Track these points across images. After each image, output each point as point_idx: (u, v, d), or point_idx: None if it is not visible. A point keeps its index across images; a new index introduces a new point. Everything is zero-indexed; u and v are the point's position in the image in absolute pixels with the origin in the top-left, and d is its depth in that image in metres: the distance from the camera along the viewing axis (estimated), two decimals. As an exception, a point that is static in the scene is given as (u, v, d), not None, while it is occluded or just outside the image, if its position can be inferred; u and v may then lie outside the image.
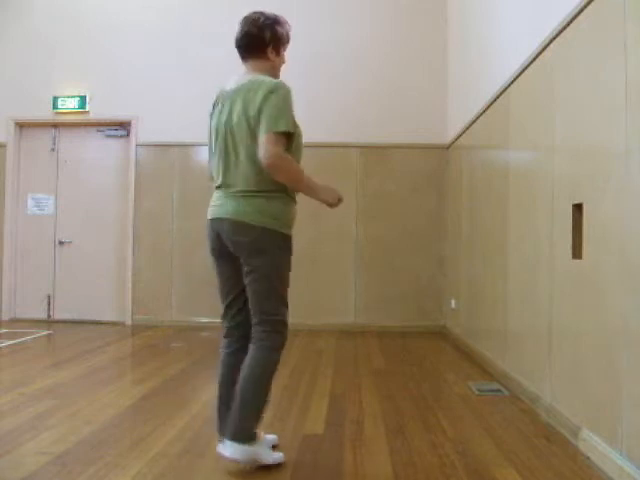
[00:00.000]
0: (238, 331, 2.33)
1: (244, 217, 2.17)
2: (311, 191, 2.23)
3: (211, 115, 2.35)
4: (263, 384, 2.19)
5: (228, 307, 2.34)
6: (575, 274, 2.62)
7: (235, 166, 2.21)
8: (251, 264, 2.19)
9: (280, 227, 2.20)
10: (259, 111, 2.13)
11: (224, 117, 2.24)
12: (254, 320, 2.23)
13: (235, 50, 2.38)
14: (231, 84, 2.29)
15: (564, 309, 2.75)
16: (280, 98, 2.14)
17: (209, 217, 2.29)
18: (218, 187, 2.29)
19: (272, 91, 2.14)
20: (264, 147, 2.09)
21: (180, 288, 6.14)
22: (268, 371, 2.20)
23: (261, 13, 2.32)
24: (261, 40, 2.29)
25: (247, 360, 2.20)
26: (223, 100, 2.28)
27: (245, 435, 2.15)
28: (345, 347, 5.09)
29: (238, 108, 2.19)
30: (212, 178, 2.35)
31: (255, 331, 2.23)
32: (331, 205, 2.28)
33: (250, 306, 2.24)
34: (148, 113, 6.23)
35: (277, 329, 2.22)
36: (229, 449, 2.14)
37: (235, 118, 2.20)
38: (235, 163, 2.21)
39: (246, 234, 2.17)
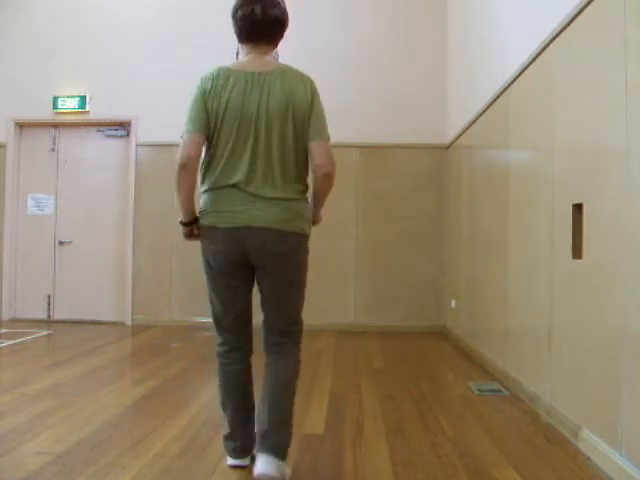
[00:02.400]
0: (247, 344, 2.18)
1: (287, 225, 1.97)
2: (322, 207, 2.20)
3: (209, 93, 1.96)
4: (295, 396, 2.13)
5: (239, 318, 2.13)
6: (575, 274, 2.62)
7: (267, 162, 1.96)
8: (287, 274, 2.04)
9: (310, 231, 2.11)
10: (310, 108, 1.99)
11: (252, 103, 1.94)
12: (280, 330, 2.11)
13: (235, 48, 2.16)
14: (248, 65, 2.01)
15: (564, 309, 2.75)
16: (321, 102, 2.05)
17: (227, 225, 1.96)
18: (231, 186, 1.96)
19: (316, 90, 2.04)
20: (327, 153, 1.99)
21: (180, 288, 6.13)
22: (297, 382, 2.15)
23: None
24: (283, 25, 2.09)
25: (282, 373, 2.09)
26: (243, 82, 1.96)
27: (285, 452, 2.04)
28: (345, 347, 5.09)
29: (277, 95, 1.95)
30: (187, 161, 1.96)
31: (282, 342, 2.11)
32: (316, 222, 2.24)
33: (275, 316, 2.10)
34: (148, 113, 6.22)
35: (301, 338, 2.17)
36: (269, 465, 1.92)
37: (273, 105, 1.94)
38: (267, 158, 1.96)
39: (288, 243, 1.99)
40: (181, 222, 2.08)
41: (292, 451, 2.38)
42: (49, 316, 6.37)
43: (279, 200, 1.97)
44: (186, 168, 1.96)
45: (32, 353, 4.67)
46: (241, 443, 2.19)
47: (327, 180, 2.03)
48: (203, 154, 2.02)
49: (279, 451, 1.99)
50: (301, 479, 2.16)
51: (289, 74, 2.01)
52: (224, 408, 2.19)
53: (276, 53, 2.13)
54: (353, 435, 2.65)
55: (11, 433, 2.59)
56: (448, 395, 3.52)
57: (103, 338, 5.31)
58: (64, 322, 6.22)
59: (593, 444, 2.35)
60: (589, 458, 2.36)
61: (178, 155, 1.96)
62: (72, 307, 6.32)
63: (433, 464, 2.30)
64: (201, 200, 2.05)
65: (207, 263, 2.08)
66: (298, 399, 3.22)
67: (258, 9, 2.00)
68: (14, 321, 6.28)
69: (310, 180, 2.10)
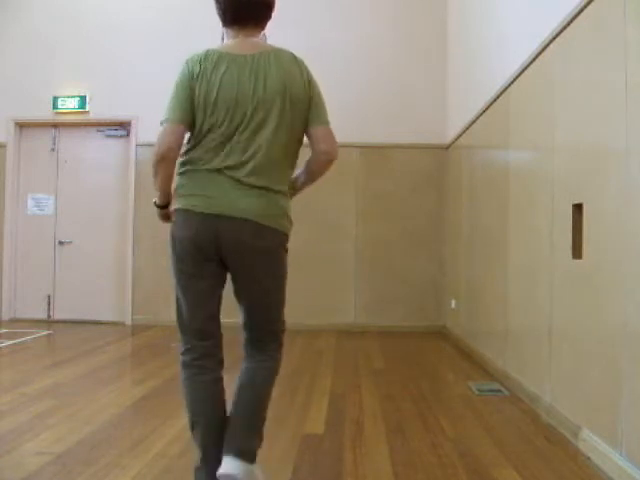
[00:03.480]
0: (218, 351, 1.90)
1: (268, 220, 1.82)
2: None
3: (197, 77, 1.83)
4: (270, 397, 1.98)
5: (209, 320, 1.89)
6: (575, 274, 2.62)
7: (258, 149, 1.80)
8: (267, 272, 1.87)
9: (290, 231, 1.93)
10: (309, 93, 1.88)
11: (248, 85, 1.81)
12: (260, 334, 1.94)
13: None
14: (238, 48, 1.87)
15: (564, 309, 2.75)
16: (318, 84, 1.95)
17: (202, 210, 1.79)
18: (214, 170, 1.80)
19: (310, 72, 1.92)
20: (333, 140, 1.89)
21: (180, 288, 6.12)
22: (274, 382, 1.99)
23: None
24: (270, 6, 1.94)
25: (260, 377, 1.92)
26: (235, 64, 1.83)
27: (253, 454, 1.85)
28: (345, 347, 5.09)
29: (273, 79, 1.82)
30: (167, 152, 1.80)
31: (263, 346, 1.94)
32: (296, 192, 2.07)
33: (254, 319, 1.93)
34: (148, 113, 6.20)
35: (282, 341, 2.00)
36: (232, 465, 1.76)
37: (270, 90, 1.81)
38: (259, 145, 1.80)
39: (267, 239, 1.83)
40: (156, 204, 1.94)
41: (292, 451, 2.39)
42: (49, 316, 6.36)
43: (264, 190, 1.80)
44: (165, 160, 1.81)
45: (32, 353, 4.67)
46: (215, 470, 1.77)
47: (328, 165, 1.93)
48: (186, 139, 1.88)
49: (245, 453, 1.80)
50: (301, 479, 2.16)
51: (283, 56, 1.88)
52: (194, 429, 1.84)
53: (264, 35, 2.01)
54: (353, 435, 2.65)
55: (11, 433, 2.59)
56: (448, 395, 3.52)
57: (103, 338, 5.31)
58: (64, 322, 6.22)
59: (593, 444, 2.35)
60: (589, 458, 2.36)
61: (156, 146, 1.80)
62: (72, 307, 6.32)
63: (433, 464, 2.30)
64: (177, 180, 1.86)
65: (176, 255, 1.88)
66: (298, 399, 3.25)
67: None
68: (14, 321, 6.27)
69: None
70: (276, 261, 1.89)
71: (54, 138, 6.45)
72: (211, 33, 6.37)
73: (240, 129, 1.80)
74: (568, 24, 2.75)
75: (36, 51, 6.36)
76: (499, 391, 3.50)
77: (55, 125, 6.45)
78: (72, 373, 3.84)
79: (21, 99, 6.35)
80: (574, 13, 2.66)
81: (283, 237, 1.89)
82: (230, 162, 1.79)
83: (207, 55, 1.85)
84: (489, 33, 4.39)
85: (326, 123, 1.90)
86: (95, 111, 6.35)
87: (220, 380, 1.88)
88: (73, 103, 6.34)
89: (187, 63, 1.87)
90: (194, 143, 1.85)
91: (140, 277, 6.23)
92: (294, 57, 1.91)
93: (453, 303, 5.54)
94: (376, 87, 6.19)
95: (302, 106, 1.86)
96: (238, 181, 1.79)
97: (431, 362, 4.52)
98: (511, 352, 3.61)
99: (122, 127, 6.37)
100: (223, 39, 1.98)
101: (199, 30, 6.22)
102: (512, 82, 3.67)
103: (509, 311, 3.66)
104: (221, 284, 1.91)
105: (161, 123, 1.85)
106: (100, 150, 6.43)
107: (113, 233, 6.38)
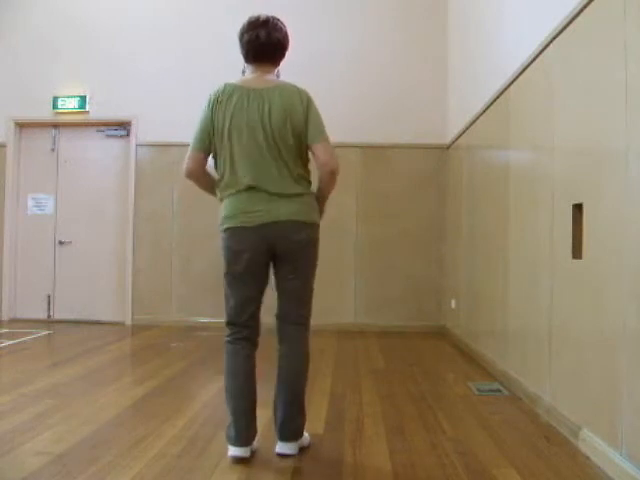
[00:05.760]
0: (255, 337, 2.36)
1: (303, 216, 2.27)
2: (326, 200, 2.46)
3: (216, 107, 2.24)
4: (307, 379, 2.37)
5: (253, 317, 2.34)
6: (575, 274, 2.62)
7: (275, 166, 2.23)
8: (302, 262, 2.33)
9: (319, 221, 2.38)
10: (307, 116, 2.24)
11: (255, 114, 2.21)
12: (291, 318, 2.35)
13: (234, 49, 2.38)
14: (251, 82, 2.28)
15: (564, 309, 2.75)
16: (317, 109, 2.31)
17: (251, 225, 2.22)
18: (247, 189, 2.23)
19: (310, 99, 2.29)
20: (329, 152, 2.26)
21: (180, 288, 6.13)
22: (309, 365, 2.38)
23: (274, 17, 2.36)
24: (284, 47, 2.37)
25: (296, 360, 2.33)
26: (246, 96, 2.23)
27: (302, 431, 2.37)
28: (345, 347, 5.09)
29: (276, 107, 2.21)
30: (190, 173, 2.30)
31: (294, 329, 2.36)
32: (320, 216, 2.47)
33: (288, 304, 2.36)
34: (148, 113, 6.23)
35: (309, 326, 2.41)
36: (288, 447, 2.31)
37: (274, 117, 2.21)
38: (274, 163, 2.23)
39: (306, 232, 2.28)
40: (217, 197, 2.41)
41: (292, 451, 2.38)
42: (49, 316, 6.37)
43: (293, 196, 2.24)
44: (191, 178, 2.32)
45: (32, 353, 4.66)
46: (240, 432, 2.26)
47: (332, 177, 2.30)
48: (214, 163, 2.32)
49: (295, 436, 2.32)
50: (301, 479, 2.16)
51: (286, 88, 2.27)
52: (227, 395, 2.30)
53: (278, 71, 2.40)
54: (353, 435, 2.65)
55: (11, 433, 2.59)
56: (448, 395, 3.51)
57: (103, 338, 5.31)
58: (64, 322, 6.22)
59: (593, 444, 2.35)
60: (589, 458, 2.36)
61: (183, 168, 2.29)
62: (72, 307, 6.32)
63: (433, 464, 2.30)
64: (223, 204, 2.29)
65: (229, 265, 2.28)
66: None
67: (262, 33, 2.28)
68: (14, 321, 6.27)
69: (314, 177, 2.38)
70: (312, 251, 2.35)
71: (54, 138, 6.46)
72: (209, 34, 6.39)
73: (256, 151, 2.21)
74: (568, 24, 2.75)
75: (36, 51, 6.36)
76: (499, 391, 3.50)
77: (55, 125, 6.45)
78: (72, 373, 3.84)
79: (21, 99, 6.35)
80: (574, 13, 2.66)
81: (316, 227, 2.34)
82: (257, 179, 2.21)
83: (225, 89, 2.26)
84: (489, 33, 4.39)
85: (323, 140, 2.26)
86: (95, 111, 6.35)
87: (251, 357, 2.33)
88: (73, 103, 6.34)
89: (210, 97, 2.27)
90: (224, 164, 2.26)
91: (140, 277, 6.24)
92: (297, 90, 2.28)
93: (453, 303, 5.54)
94: (376, 87, 6.18)
95: (302, 129, 2.24)
96: (271, 193, 2.21)
97: (431, 362, 4.52)
98: (511, 352, 3.61)
99: (122, 127, 6.37)
100: (244, 72, 2.39)
101: (199, 30, 6.24)
102: (512, 82, 3.67)
103: (509, 311, 3.66)
104: (264, 287, 2.33)
105: (190, 148, 2.29)
106: (100, 150, 6.43)
107: (113, 233, 6.38)
